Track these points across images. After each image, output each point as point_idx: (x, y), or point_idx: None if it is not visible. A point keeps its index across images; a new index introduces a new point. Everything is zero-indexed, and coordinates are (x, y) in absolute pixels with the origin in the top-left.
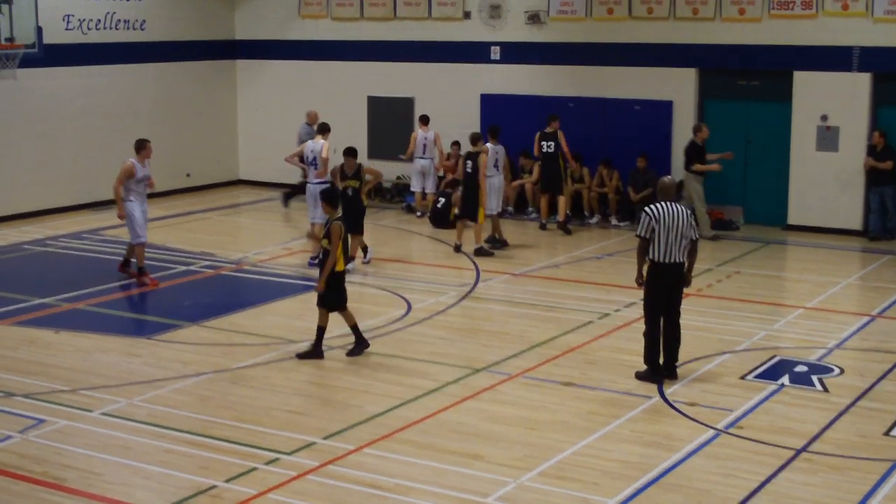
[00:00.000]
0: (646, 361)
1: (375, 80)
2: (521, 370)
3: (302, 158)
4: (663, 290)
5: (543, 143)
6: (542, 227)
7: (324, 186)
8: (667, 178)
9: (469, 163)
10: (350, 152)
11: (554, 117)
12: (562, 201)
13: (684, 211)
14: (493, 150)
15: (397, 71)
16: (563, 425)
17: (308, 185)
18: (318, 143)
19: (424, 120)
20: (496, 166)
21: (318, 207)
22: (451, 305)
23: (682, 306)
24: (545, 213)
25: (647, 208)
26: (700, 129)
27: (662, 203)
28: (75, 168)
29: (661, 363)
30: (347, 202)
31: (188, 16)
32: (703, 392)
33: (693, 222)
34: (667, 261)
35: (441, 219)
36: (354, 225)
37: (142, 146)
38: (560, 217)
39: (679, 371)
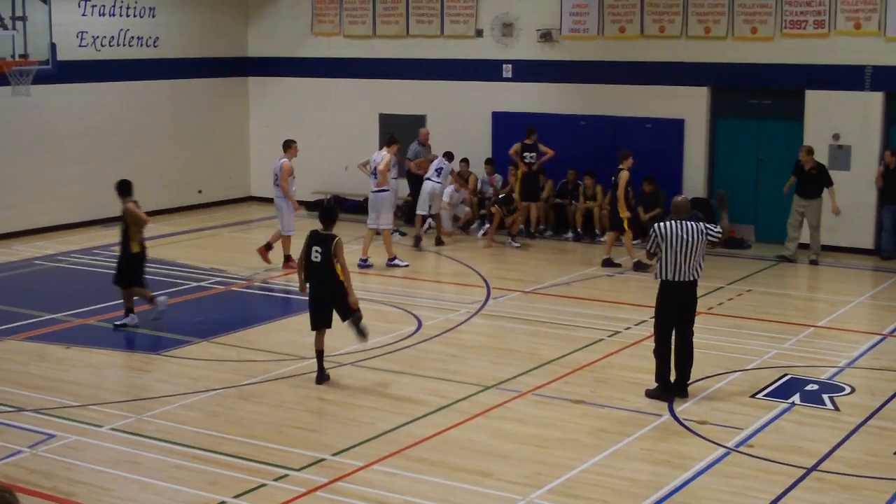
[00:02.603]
0: (657, 379)
1: (387, 97)
2: (531, 388)
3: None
4: (673, 308)
5: (526, 154)
6: (531, 235)
7: (384, 195)
8: (679, 197)
9: (612, 179)
10: (119, 188)
11: (532, 130)
12: (533, 210)
13: (697, 229)
14: (439, 160)
15: (409, 88)
16: (573, 443)
17: (371, 193)
18: (380, 154)
19: (449, 156)
20: (437, 172)
21: (378, 214)
22: (461, 322)
23: (694, 325)
24: (534, 221)
25: (656, 225)
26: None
27: (674, 221)
28: (87, 184)
29: (671, 381)
30: (120, 245)
31: (201, 33)
32: (714, 410)
33: (704, 244)
34: (675, 279)
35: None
36: (126, 276)
37: (289, 145)
38: (530, 225)
39: (690, 389)
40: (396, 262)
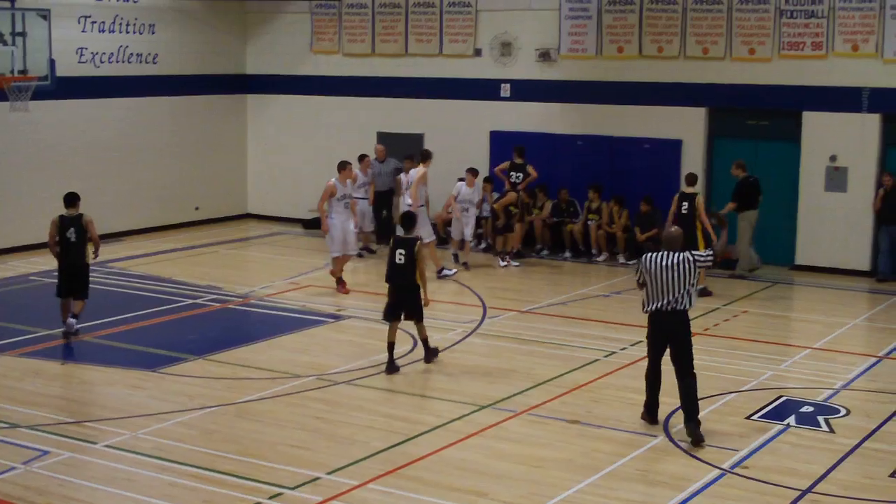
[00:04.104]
0: (644, 406)
1: (385, 115)
2: (527, 407)
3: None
4: (660, 339)
5: (513, 173)
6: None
7: (419, 209)
8: (673, 229)
9: (685, 204)
10: (71, 199)
11: (521, 149)
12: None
13: (683, 258)
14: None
15: (407, 107)
16: (569, 463)
17: (421, 208)
18: (414, 170)
19: (473, 172)
20: (363, 188)
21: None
22: (457, 342)
23: (693, 366)
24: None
25: (643, 256)
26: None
27: (662, 253)
28: (85, 200)
29: (656, 407)
30: (69, 254)
31: (200, 50)
32: (709, 431)
33: (695, 273)
34: (661, 309)
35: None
36: (77, 285)
37: (342, 167)
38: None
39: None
40: (445, 272)
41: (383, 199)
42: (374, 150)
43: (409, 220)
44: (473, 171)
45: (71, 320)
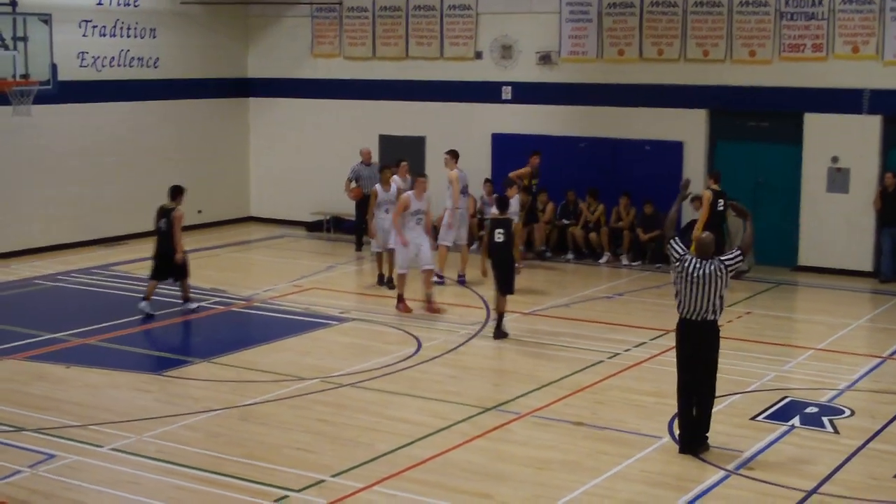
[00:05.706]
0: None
1: (387, 119)
2: (531, 409)
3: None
4: (688, 349)
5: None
6: (538, 255)
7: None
8: (705, 234)
9: (720, 201)
10: (173, 191)
11: (535, 153)
12: (538, 230)
13: (714, 267)
14: (462, 177)
15: (409, 110)
16: (573, 465)
17: (458, 210)
18: (464, 174)
19: (454, 155)
20: (463, 194)
21: (458, 230)
22: (461, 344)
23: (714, 386)
24: (537, 242)
25: (686, 255)
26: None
27: (697, 259)
28: (87, 204)
29: (689, 426)
30: (161, 241)
31: (201, 54)
32: (714, 433)
33: (726, 281)
34: (690, 318)
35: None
36: (171, 271)
37: (414, 180)
38: (538, 244)
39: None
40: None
41: (364, 203)
42: (360, 153)
43: (504, 202)
44: (514, 182)
45: (187, 304)
